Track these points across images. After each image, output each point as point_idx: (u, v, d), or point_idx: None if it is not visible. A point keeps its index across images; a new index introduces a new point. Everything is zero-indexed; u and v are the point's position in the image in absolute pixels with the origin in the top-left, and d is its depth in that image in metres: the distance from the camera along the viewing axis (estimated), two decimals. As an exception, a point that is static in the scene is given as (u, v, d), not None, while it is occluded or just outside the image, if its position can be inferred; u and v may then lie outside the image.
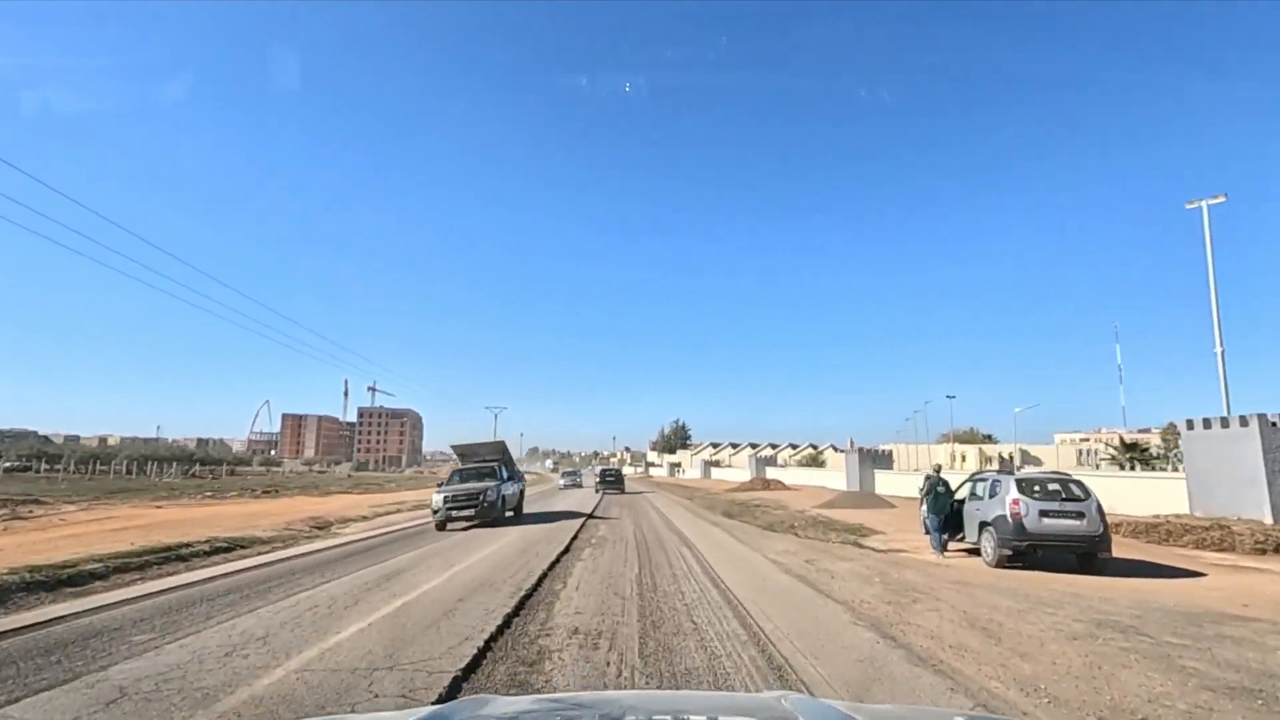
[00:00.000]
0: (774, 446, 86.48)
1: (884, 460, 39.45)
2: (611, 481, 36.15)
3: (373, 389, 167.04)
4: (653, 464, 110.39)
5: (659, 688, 4.18)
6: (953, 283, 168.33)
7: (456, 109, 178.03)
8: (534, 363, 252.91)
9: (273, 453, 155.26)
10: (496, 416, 66.07)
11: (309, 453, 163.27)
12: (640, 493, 36.96)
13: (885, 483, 34.60)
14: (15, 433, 70.44)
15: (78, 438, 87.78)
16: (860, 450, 39.21)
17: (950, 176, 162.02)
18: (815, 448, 76.40)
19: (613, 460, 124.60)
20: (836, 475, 38.97)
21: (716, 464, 77.82)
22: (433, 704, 3.32)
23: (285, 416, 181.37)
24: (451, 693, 4.01)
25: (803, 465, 59.35)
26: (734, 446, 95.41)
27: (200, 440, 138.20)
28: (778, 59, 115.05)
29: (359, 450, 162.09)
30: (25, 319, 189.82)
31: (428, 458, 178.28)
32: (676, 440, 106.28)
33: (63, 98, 76.65)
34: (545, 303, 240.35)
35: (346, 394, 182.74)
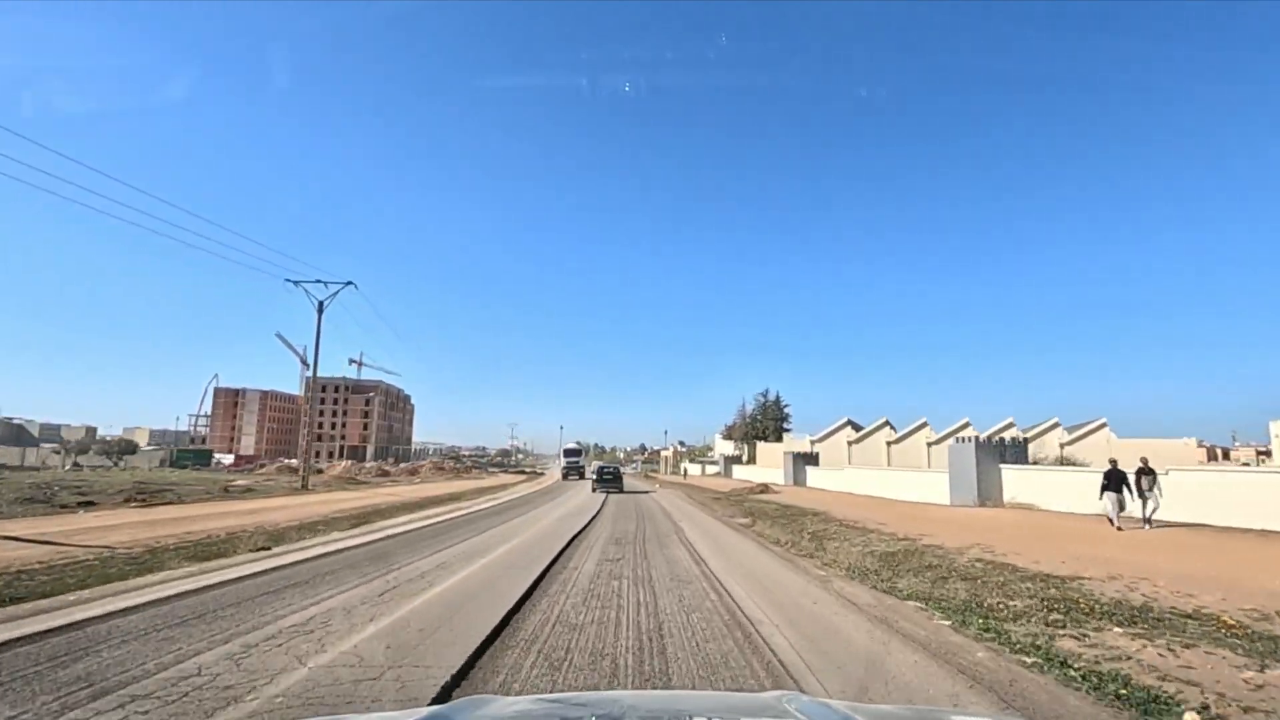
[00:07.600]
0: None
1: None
2: (609, 480, 34.84)
3: (357, 362, 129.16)
4: (737, 460, 65.84)
5: None
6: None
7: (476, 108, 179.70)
8: (568, 356, 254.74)
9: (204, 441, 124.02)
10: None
11: (248, 441, 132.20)
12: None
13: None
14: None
15: (57, 427, 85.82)
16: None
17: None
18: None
19: (664, 455, 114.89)
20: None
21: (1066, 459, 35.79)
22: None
23: (219, 392, 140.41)
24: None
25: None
26: (877, 427, 53.62)
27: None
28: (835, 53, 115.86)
29: (307, 435, 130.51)
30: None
31: (418, 450, 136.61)
32: (768, 423, 67.52)
33: (63, 98, 74.30)
34: (564, 297, 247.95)
35: (304, 363, 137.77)
